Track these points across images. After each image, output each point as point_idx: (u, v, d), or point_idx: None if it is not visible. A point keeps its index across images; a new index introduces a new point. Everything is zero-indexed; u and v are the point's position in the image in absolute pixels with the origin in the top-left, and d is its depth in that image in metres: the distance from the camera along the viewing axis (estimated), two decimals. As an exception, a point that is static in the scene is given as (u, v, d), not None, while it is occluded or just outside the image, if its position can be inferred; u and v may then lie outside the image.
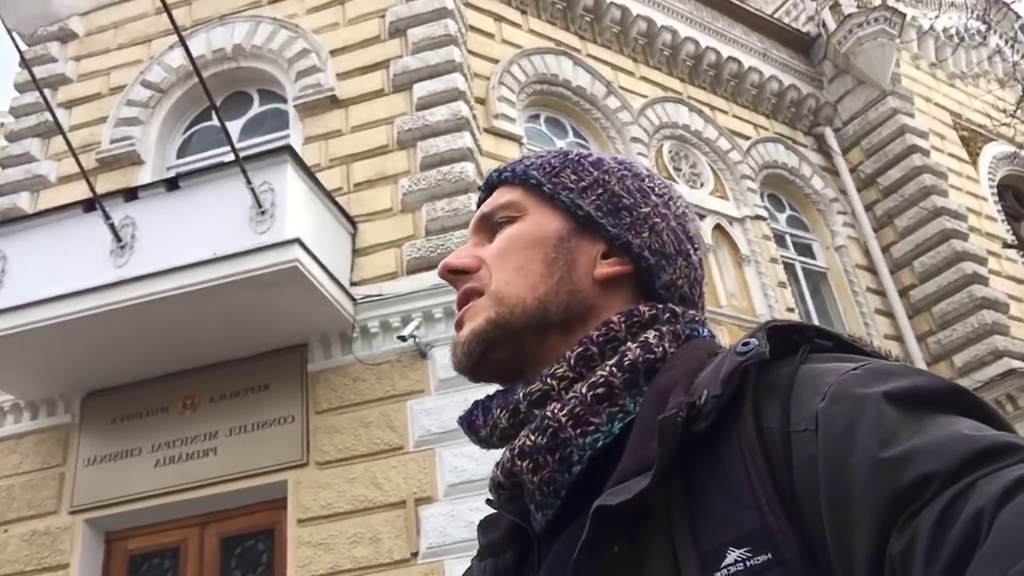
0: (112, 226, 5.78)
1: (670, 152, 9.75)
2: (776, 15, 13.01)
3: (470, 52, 8.23)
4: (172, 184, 6.09)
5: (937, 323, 10.25)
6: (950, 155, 11.92)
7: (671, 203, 0.92)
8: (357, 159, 7.09)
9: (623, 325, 0.79)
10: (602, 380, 0.74)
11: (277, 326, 6.05)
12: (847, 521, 0.55)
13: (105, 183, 7.12)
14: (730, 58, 11.13)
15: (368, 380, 6.09)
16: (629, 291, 0.85)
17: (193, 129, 8.08)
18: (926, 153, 11.31)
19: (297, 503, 5.74)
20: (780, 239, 10.47)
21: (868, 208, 11.35)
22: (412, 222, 6.71)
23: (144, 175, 7.46)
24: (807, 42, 12.39)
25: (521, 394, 0.78)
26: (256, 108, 8.05)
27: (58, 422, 6.36)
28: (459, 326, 0.86)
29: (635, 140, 9.11)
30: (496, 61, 8.57)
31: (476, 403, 0.83)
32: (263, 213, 5.72)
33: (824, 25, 12.20)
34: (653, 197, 0.90)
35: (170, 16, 5.32)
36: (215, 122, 7.84)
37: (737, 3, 12.00)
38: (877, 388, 0.58)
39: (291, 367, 6.21)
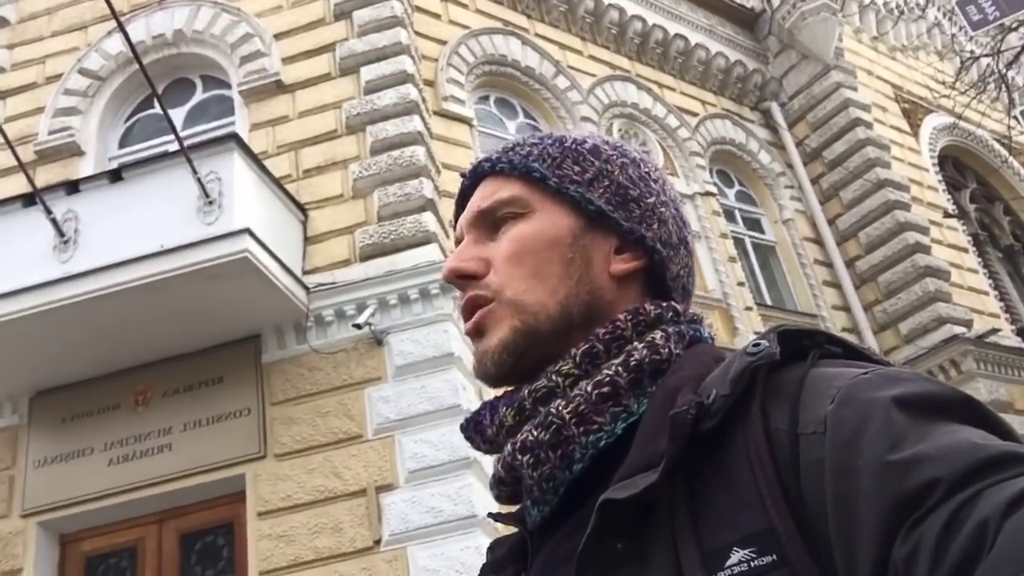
0: (54, 221, 5.63)
1: (620, 131, 9.78)
2: (721, -9, 13.06)
3: (417, 33, 8.13)
4: (115, 175, 5.94)
5: (883, 292, 10.50)
6: (892, 127, 12.16)
7: (666, 187, 0.91)
8: (305, 145, 6.99)
9: (629, 324, 0.79)
10: (607, 379, 0.74)
11: (229, 318, 5.96)
12: (852, 524, 0.55)
13: (45, 176, 6.93)
14: (677, 35, 11.17)
15: (324, 369, 6.04)
16: (641, 284, 0.85)
17: (135, 118, 7.87)
18: (869, 126, 11.52)
19: (256, 496, 5.69)
20: (729, 214, 10.60)
21: (814, 181, 11.53)
22: (364, 208, 6.64)
23: (85, 166, 7.26)
24: (752, 18, 12.49)
25: (526, 391, 0.78)
26: (200, 95, 7.87)
27: (5, 424, 6.20)
28: (476, 334, 0.83)
29: (585, 119, 9.12)
30: (444, 42, 8.49)
31: (484, 404, 0.83)
32: (211, 203, 5.62)
33: (768, 1, 12.31)
34: (653, 184, 0.89)
35: (107, 0, 5.16)
36: (158, 110, 7.64)
37: (682, -20, 12.03)
38: (886, 393, 0.58)
39: (245, 359, 6.13)
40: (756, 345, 0.67)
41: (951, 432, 0.55)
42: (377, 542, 5.41)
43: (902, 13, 13.08)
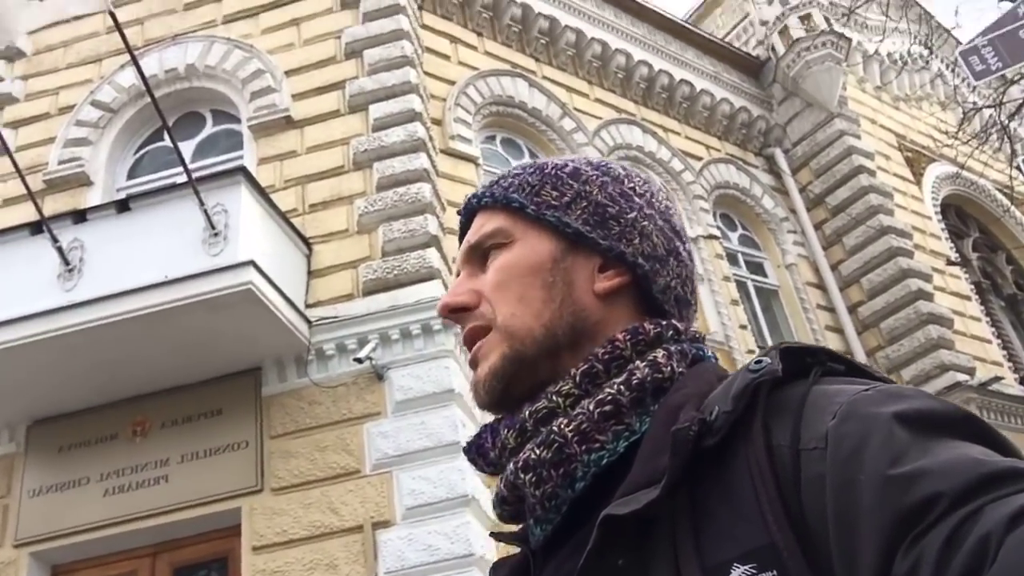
0: (60, 249, 5.66)
1: (625, 173, 9.84)
2: (727, 39, 13.26)
3: (426, 73, 8.25)
4: (123, 206, 5.99)
5: (885, 338, 10.48)
6: (895, 175, 12.25)
7: (654, 200, 0.91)
8: (312, 180, 7.05)
9: (628, 343, 0.79)
10: (610, 398, 0.74)
11: (230, 349, 5.96)
12: (853, 539, 0.55)
13: (52, 205, 6.98)
14: (682, 81, 11.32)
15: (324, 403, 6.02)
16: (629, 299, 0.85)
17: (144, 150, 7.95)
18: (872, 173, 11.60)
19: (251, 530, 5.64)
20: (732, 258, 10.63)
21: (817, 227, 11.58)
22: (368, 243, 6.67)
23: (93, 197, 7.32)
24: (757, 65, 12.65)
25: (527, 412, 0.78)
26: (209, 128, 7.96)
27: (2, 452, 6.16)
28: (473, 364, 0.85)
29: (590, 161, 9.17)
30: (452, 82, 8.60)
31: (485, 427, 0.83)
32: (216, 235, 5.65)
33: (773, 49, 12.48)
34: (636, 199, 0.89)
35: (122, 34, 5.26)
36: (167, 143, 7.74)
37: (689, 27, 12.23)
38: (888, 409, 0.58)
39: (245, 391, 6.11)
40: (758, 362, 0.67)
41: (952, 448, 0.55)
42: (372, 580, 5.34)
43: (905, 64, 13.24)
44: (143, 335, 5.58)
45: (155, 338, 5.63)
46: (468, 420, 5.98)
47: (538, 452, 0.74)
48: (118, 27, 5.31)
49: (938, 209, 12.63)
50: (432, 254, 6.49)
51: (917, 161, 12.90)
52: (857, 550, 0.54)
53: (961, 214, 13.48)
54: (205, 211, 5.58)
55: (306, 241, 6.63)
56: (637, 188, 0.90)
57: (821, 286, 11.04)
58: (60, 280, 5.69)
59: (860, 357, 10.35)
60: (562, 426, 0.74)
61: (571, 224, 0.86)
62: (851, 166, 11.57)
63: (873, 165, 11.74)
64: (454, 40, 9.08)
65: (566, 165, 0.91)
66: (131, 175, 7.83)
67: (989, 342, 11.14)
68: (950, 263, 11.17)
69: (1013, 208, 13.19)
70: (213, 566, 5.83)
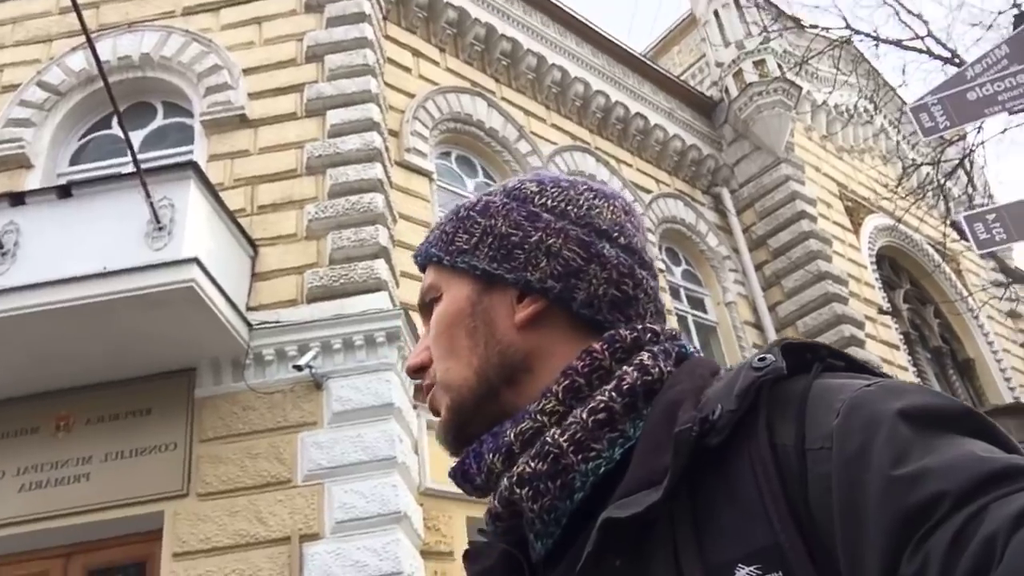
0: (-7, 231, 5.44)
1: (576, 199, 9.92)
2: (683, 77, 13.55)
3: (387, 84, 8.21)
4: (64, 191, 5.79)
5: (817, 382, 10.72)
6: (835, 223, 12.63)
7: (569, 208, 0.86)
8: (263, 181, 6.93)
9: (607, 352, 0.77)
10: (602, 405, 0.72)
11: (165, 348, 5.79)
12: (859, 540, 0.54)
13: (-13, 185, 6.72)
14: (638, 114, 11.51)
15: (259, 409, 5.88)
16: (556, 322, 0.82)
17: (89, 137, 7.72)
18: (814, 219, 11.94)
19: (173, 535, 5.45)
20: (675, 292, 10.80)
21: (758, 267, 11.85)
22: (316, 249, 6.58)
23: (32, 180, 7.07)
24: (710, 106, 12.94)
25: (512, 435, 0.76)
26: (159, 120, 7.78)
27: (-88, 438, 5.86)
28: (436, 415, 0.87)
29: (543, 185, 9.24)
30: (412, 95, 8.58)
31: (467, 451, 0.81)
32: (161, 229, 5.50)
33: (727, 91, 12.80)
34: (544, 216, 0.85)
35: (79, 15, 5.10)
36: (113, 131, 7.55)
37: (647, 62, 12.46)
38: (891, 406, 0.58)
39: (177, 392, 5.94)
40: (762, 359, 0.67)
41: (955, 445, 0.55)
42: (295, 593, 5.21)
43: (851, 117, 13.70)
44: (75, 327, 5.38)
45: (88, 331, 5.43)
46: (405, 435, 5.92)
47: (533, 465, 0.72)
48: (76, 8, 5.15)
49: (874, 259, 13.04)
50: (381, 265, 6.43)
51: (856, 211, 13.32)
52: (863, 551, 0.54)
53: (895, 265, 13.95)
54: (151, 204, 5.43)
55: (252, 243, 6.50)
56: (549, 202, 0.86)
57: (758, 325, 11.27)
58: (-9, 263, 5.47)
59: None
60: (556, 436, 0.72)
61: (478, 265, 0.85)
62: (794, 211, 11.89)
63: (815, 211, 12.08)
64: (416, 53, 9.08)
65: (479, 202, 0.90)
66: (74, 161, 7.60)
67: (914, 391, 11.47)
68: (882, 312, 11.53)
69: (944, 264, 13.68)
70: (130, 570, 5.62)
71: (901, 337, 12.25)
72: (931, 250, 13.80)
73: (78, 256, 5.39)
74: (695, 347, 0.86)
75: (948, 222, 10.27)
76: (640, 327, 0.80)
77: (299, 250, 6.58)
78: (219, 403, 5.91)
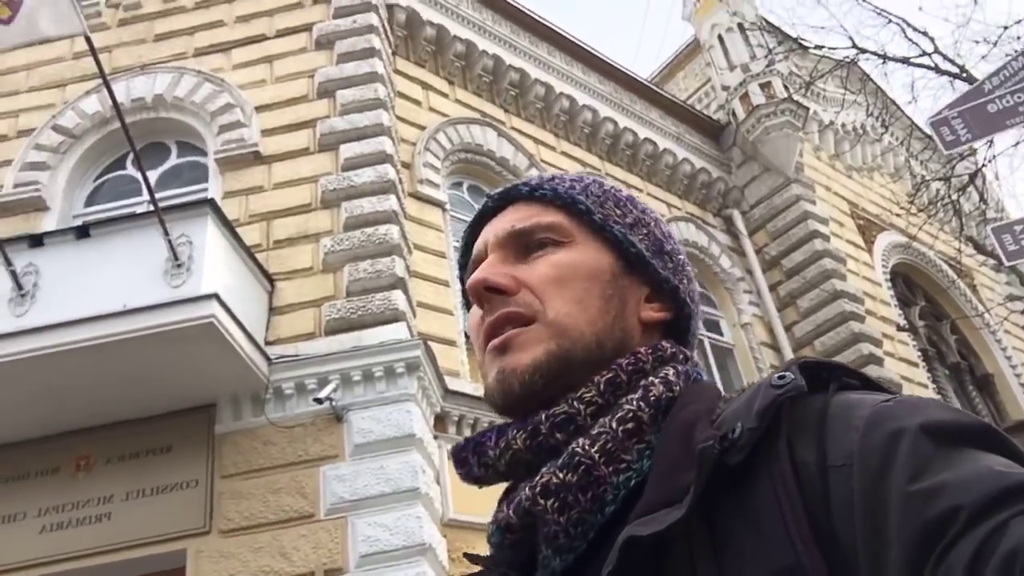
0: (13, 273, 5.47)
1: (588, 226, 9.95)
2: (689, 101, 13.62)
3: (398, 117, 8.28)
4: (82, 232, 5.82)
5: (837, 402, 10.62)
6: (848, 241, 12.59)
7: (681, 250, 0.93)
8: (278, 216, 6.96)
9: (650, 358, 0.78)
10: (631, 415, 0.72)
11: (185, 384, 5.78)
12: (881, 558, 0.54)
13: (5, 229, 6.77)
14: (647, 139, 11.55)
15: (279, 443, 5.85)
16: (661, 336, 0.84)
17: (104, 178, 7.80)
18: (826, 238, 11.91)
19: (197, 573, 5.40)
20: (690, 315, 10.74)
21: (772, 288, 11.81)
22: (333, 282, 6.59)
23: (48, 223, 7.12)
24: (718, 129, 12.99)
25: (543, 415, 0.74)
26: (174, 159, 7.85)
27: (-67, 482, 5.85)
28: (500, 350, 0.79)
29: (555, 212, 9.26)
30: (423, 128, 8.64)
31: (492, 427, 0.79)
32: (179, 266, 5.52)
33: (734, 114, 12.84)
34: (678, 247, 0.91)
35: (96, 59, 5.17)
36: (128, 172, 7.63)
37: (654, 88, 12.54)
38: (911, 421, 0.58)
39: (197, 428, 5.92)
40: (781, 377, 0.66)
41: (973, 460, 0.55)
42: (321, 630, 5.15)
43: (860, 136, 13.71)
44: (95, 366, 5.38)
45: (107, 369, 5.44)
46: (427, 467, 5.87)
47: (561, 475, 0.69)
48: (93, 51, 5.22)
49: (888, 276, 12.98)
50: (398, 296, 6.43)
51: (868, 229, 13.29)
52: (885, 568, 0.54)
53: (909, 283, 13.88)
54: (169, 241, 5.46)
55: (269, 277, 6.52)
56: (672, 235, 0.92)
57: (775, 346, 11.20)
58: (11, 305, 5.49)
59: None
60: (587, 447, 0.70)
61: (636, 244, 0.85)
62: (806, 231, 11.87)
63: (827, 231, 12.06)
64: (426, 87, 9.16)
65: (619, 189, 0.91)
66: (89, 203, 7.66)
67: (935, 409, 11.35)
68: (900, 329, 11.44)
69: (959, 280, 13.60)
70: (153, 611, 5.57)
71: (919, 354, 12.15)
72: (945, 266, 13.73)
73: (97, 295, 5.41)
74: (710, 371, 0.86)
75: (962, 237, 10.21)
76: (679, 347, 0.83)
77: (316, 283, 6.59)
78: (239, 438, 5.88)
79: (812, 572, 0.56)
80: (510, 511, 0.72)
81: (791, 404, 0.65)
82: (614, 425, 0.71)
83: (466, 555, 0.81)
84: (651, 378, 0.75)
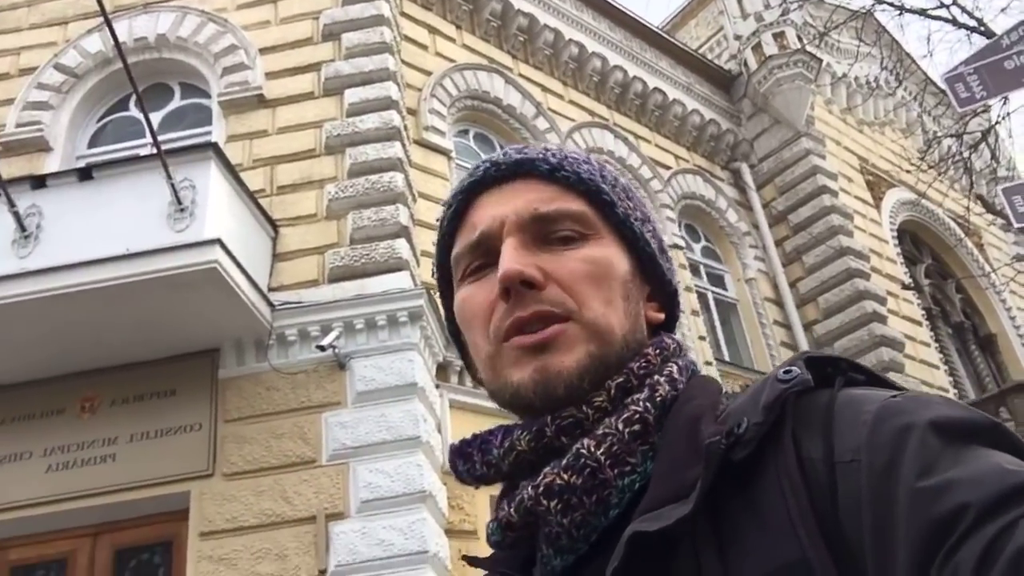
0: (16, 214, 5.45)
1: (595, 176, 9.86)
2: (701, 51, 13.38)
3: (404, 62, 8.15)
4: (85, 174, 5.78)
5: (838, 358, 10.65)
6: (856, 197, 12.48)
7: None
8: (282, 161, 6.90)
9: (658, 359, 0.76)
10: (637, 416, 0.70)
11: (189, 329, 5.80)
12: (888, 554, 0.53)
13: (8, 169, 6.70)
14: (656, 89, 11.38)
15: (282, 389, 5.89)
16: (660, 334, 0.83)
17: (107, 119, 7.72)
18: (835, 194, 11.80)
19: (200, 515, 5.49)
20: (695, 268, 10.72)
21: (778, 243, 11.75)
22: (336, 229, 6.55)
23: (51, 163, 7.08)
24: (729, 79, 12.79)
25: (549, 418, 0.72)
26: (177, 102, 7.76)
27: (-60, 420, 5.91)
28: (539, 349, 0.73)
29: (562, 162, 9.17)
30: (429, 73, 8.52)
31: (499, 427, 0.77)
32: (183, 210, 5.49)
33: (745, 64, 12.63)
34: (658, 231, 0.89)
35: (97, -2, 5.07)
36: (131, 113, 7.55)
37: (665, 36, 12.31)
38: (920, 416, 0.57)
39: (201, 372, 5.95)
40: (787, 372, 0.65)
41: (981, 457, 0.54)
42: (322, 572, 5.23)
43: (873, 89, 13.50)
44: (99, 309, 5.39)
45: (111, 313, 5.45)
46: (429, 415, 5.92)
47: (566, 477, 0.68)
48: (93, -11, 5.11)
49: (895, 233, 12.90)
50: (402, 244, 6.40)
51: (877, 185, 13.17)
52: (892, 565, 0.53)
53: (916, 240, 13.80)
54: (172, 185, 5.42)
55: (273, 223, 6.49)
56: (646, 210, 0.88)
57: (779, 302, 11.19)
58: (15, 246, 5.48)
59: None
60: (592, 448, 0.68)
61: (650, 243, 0.82)
62: (815, 186, 11.76)
63: (836, 186, 11.95)
64: (433, 31, 9.00)
65: (621, 178, 0.86)
66: (92, 144, 7.60)
67: (937, 368, 11.40)
68: (905, 287, 11.42)
69: (966, 239, 13.52)
70: (156, 550, 5.67)
71: (923, 313, 12.14)
72: (953, 224, 13.63)
73: (100, 238, 5.39)
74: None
75: (972, 195, 10.12)
76: (678, 338, 0.81)
77: (320, 230, 6.57)
78: (243, 383, 5.92)
79: (817, 567, 0.56)
80: (511, 509, 0.71)
81: (797, 399, 0.64)
82: (620, 427, 0.69)
83: (464, 557, 0.81)
84: (656, 376, 0.74)
